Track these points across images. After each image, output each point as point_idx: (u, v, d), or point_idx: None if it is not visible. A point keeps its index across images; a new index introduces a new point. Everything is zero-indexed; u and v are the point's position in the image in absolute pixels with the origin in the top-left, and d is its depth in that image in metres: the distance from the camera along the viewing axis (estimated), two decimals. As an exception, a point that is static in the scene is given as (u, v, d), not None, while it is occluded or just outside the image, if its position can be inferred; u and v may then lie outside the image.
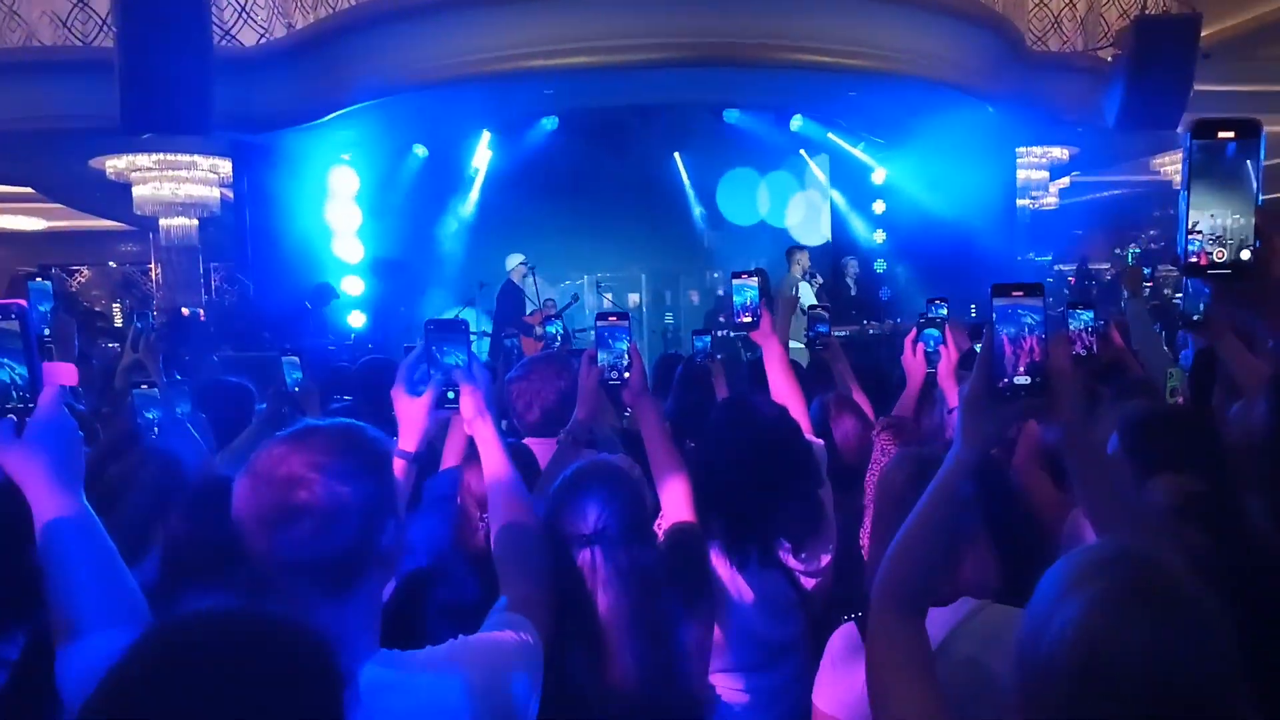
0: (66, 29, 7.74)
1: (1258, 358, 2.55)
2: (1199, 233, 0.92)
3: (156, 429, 2.38)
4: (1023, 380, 1.20)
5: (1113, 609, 0.95)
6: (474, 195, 9.20)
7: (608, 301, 8.72)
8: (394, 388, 1.67)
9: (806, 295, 8.36)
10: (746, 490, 2.16)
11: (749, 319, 2.49)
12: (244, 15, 7.77)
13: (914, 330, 3.18)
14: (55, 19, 7.76)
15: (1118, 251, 14.55)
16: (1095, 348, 3.08)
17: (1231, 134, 0.93)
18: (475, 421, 1.64)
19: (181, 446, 2.35)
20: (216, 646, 0.85)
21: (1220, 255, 0.92)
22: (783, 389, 2.62)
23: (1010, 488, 2.26)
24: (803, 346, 7.76)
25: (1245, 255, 0.91)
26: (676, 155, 9.68)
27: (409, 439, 1.67)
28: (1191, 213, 0.93)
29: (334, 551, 1.20)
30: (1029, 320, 1.19)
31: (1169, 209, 15.18)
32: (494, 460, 1.63)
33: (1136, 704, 0.92)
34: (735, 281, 2.50)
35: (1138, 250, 14.62)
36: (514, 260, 8.60)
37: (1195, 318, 2.68)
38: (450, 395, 1.65)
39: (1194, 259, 0.93)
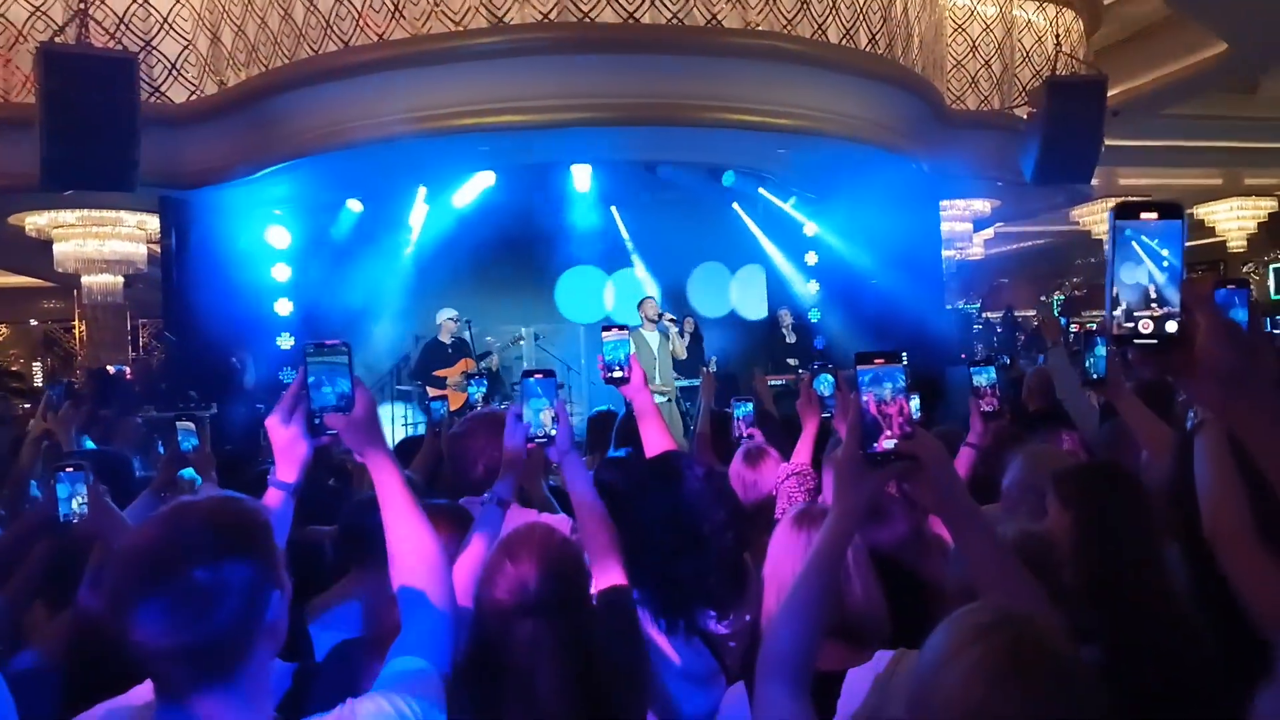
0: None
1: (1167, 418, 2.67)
2: (1125, 306, 0.98)
3: (78, 508, 2.25)
4: (890, 444, 1.23)
5: (990, 676, 0.99)
6: (410, 250, 9.18)
7: (518, 343, 8.75)
8: (269, 416, 1.61)
9: (657, 344, 8.31)
10: (674, 555, 2.09)
11: (619, 374, 2.45)
12: (174, 72, 7.72)
13: (808, 377, 3.26)
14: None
15: (1043, 299, 15.11)
16: (999, 406, 3.15)
17: (1154, 215, 0.99)
18: (365, 452, 1.57)
19: (106, 526, 2.26)
20: None
21: (1146, 327, 0.97)
22: (658, 443, 2.58)
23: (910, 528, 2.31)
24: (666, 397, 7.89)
25: (1171, 327, 0.97)
26: (613, 210, 9.80)
27: (287, 469, 1.61)
28: (1118, 287, 0.98)
29: (214, 633, 1.17)
30: (892, 385, 1.24)
31: (1090, 257, 15.88)
32: (388, 489, 1.55)
33: None
34: (606, 337, 2.45)
35: (1062, 297, 15.22)
36: (443, 315, 8.60)
37: (1095, 376, 2.81)
38: (316, 421, 1.57)
39: (1121, 330, 0.98)
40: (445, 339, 8.49)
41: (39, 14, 7.64)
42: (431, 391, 8.03)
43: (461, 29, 6.52)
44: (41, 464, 3.32)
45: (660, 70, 6.75)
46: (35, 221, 8.61)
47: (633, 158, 8.55)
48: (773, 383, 9.16)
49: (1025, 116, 9.01)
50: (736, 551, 2.18)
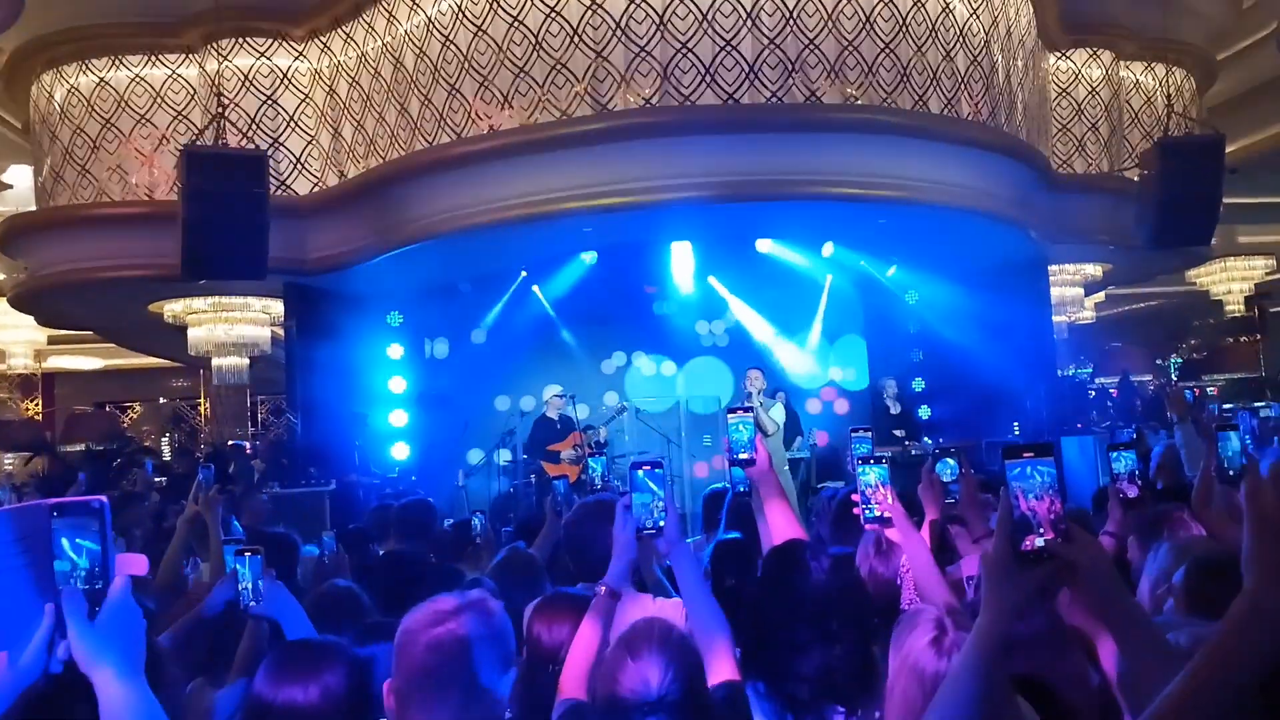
0: (134, 185, 8.27)
1: None
2: None
3: (255, 596, 2.32)
4: (1041, 542, 1.19)
5: None
6: (513, 329, 9.42)
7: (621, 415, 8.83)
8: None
9: (777, 415, 8.44)
10: (800, 649, 2.03)
11: (746, 456, 2.44)
12: (299, 166, 8.25)
13: (929, 462, 3.14)
14: (121, 174, 8.31)
15: (1160, 363, 14.37)
16: (1138, 493, 2.96)
17: None
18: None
19: (283, 613, 2.32)
20: None
21: None
22: (785, 529, 2.51)
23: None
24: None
25: None
26: (711, 280, 9.84)
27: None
28: None
29: None
30: (1042, 479, 1.20)
31: (1208, 319, 15.07)
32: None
33: None
34: (731, 419, 2.45)
35: (1179, 360, 14.43)
36: (550, 392, 8.77)
37: (1231, 472, 2.60)
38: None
39: None
40: (552, 415, 8.62)
41: (180, 118, 8.33)
42: (549, 468, 8.14)
43: (567, 116, 6.77)
44: (194, 544, 3.46)
45: (761, 147, 6.83)
46: (172, 309, 9.23)
47: (733, 234, 8.62)
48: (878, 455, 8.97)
49: (1137, 179, 8.72)
50: (865, 645, 2.10)
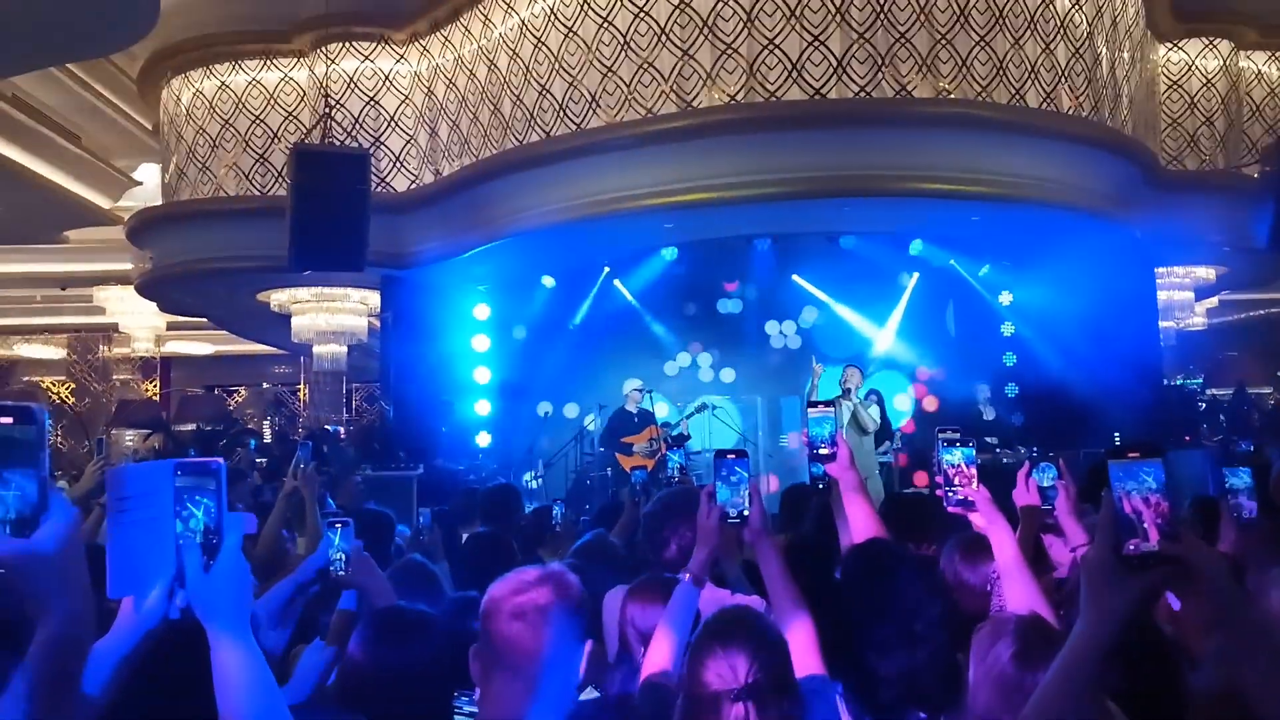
0: (248, 180, 8.79)
1: None
2: None
3: (346, 566, 2.34)
4: (1151, 546, 1.11)
5: None
6: (596, 323, 9.55)
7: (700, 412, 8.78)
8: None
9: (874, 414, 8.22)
10: (884, 650, 1.99)
11: (826, 451, 2.39)
12: (398, 164, 8.60)
13: (1025, 465, 3.04)
14: (237, 171, 8.83)
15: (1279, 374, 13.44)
16: (1256, 512, 2.79)
17: None
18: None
19: (370, 583, 2.36)
20: None
21: None
22: (864, 527, 2.44)
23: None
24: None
25: None
26: (795, 277, 9.72)
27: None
28: None
29: None
30: (1149, 482, 1.14)
31: (1338, 328, 14.00)
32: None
33: None
34: (811, 413, 2.41)
35: (1304, 373, 13.45)
36: (630, 385, 8.80)
37: None
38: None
39: None
40: (631, 408, 8.70)
41: (290, 118, 8.80)
42: (625, 460, 8.22)
43: (653, 114, 6.84)
44: (291, 519, 3.66)
45: (849, 143, 6.74)
46: (278, 298, 9.76)
47: (819, 230, 8.52)
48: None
49: (1257, 175, 8.22)
50: (950, 651, 2.02)
